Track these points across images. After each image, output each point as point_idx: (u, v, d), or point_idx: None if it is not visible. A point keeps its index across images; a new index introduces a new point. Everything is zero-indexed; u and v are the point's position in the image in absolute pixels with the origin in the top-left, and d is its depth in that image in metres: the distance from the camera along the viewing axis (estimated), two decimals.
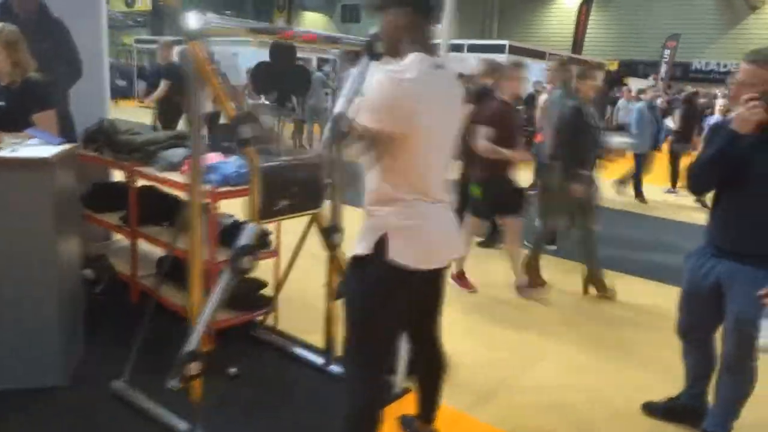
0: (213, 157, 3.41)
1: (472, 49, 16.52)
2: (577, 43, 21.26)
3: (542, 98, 6.26)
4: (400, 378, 2.82)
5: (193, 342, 2.23)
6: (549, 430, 2.73)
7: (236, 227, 3.27)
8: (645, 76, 20.11)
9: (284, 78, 8.99)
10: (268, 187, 2.34)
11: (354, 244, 1.93)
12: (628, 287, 4.61)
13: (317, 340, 3.15)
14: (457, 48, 16.08)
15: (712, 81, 21.37)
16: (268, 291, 3.50)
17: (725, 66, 22.39)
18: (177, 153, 3.53)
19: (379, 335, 1.94)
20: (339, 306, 2.84)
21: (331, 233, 2.74)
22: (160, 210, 3.70)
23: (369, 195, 1.90)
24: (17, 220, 2.52)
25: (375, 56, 2.65)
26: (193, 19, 1.95)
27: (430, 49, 1.87)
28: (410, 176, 1.83)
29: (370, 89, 1.78)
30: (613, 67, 19.24)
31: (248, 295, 3.41)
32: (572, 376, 3.25)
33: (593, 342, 3.69)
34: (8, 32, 2.87)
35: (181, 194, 3.69)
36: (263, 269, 3.24)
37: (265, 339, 3.35)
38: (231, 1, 23.03)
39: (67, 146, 2.78)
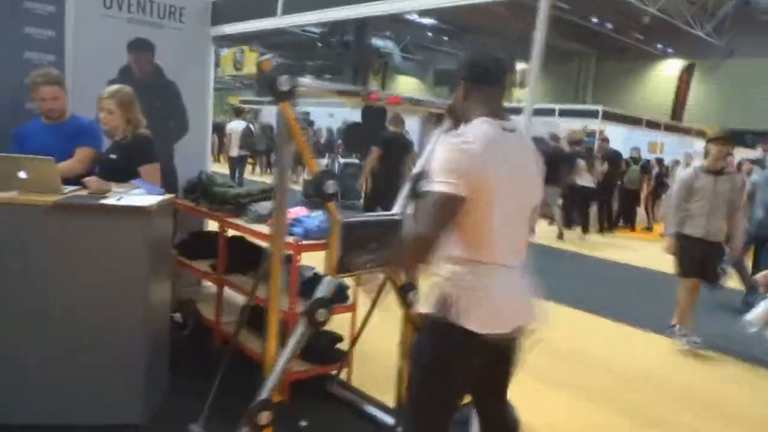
0: (298, 211, 3.55)
1: (564, 113, 16.42)
2: (677, 111, 20.52)
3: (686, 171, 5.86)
4: None
5: (266, 391, 2.27)
6: None
7: (316, 280, 3.37)
8: (752, 146, 18.96)
9: (373, 138, 9.28)
10: (348, 241, 2.39)
11: (422, 301, 1.92)
12: None
13: (389, 398, 3.11)
14: (548, 112, 16.03)
15: None
16: (343, 345, 3.53)
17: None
18: (266, 206, 3.71)
19: (438, 395, 1.90)
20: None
21: (406, 291, 2.74)
22: (247, 259, 3.86)
23: (437, 254, 1.90)
24: (115, 263, 2.72)
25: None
26: (284, 81, 2.08)
27: (496, 114, 1.89)
28: (478, 239, 1.82)
29: (437, 160, 1.80)
30: (713, 130, 18.28)
31: (324, 349, 3.45)
32: None
33: None
34: (124, 93, 3.20)
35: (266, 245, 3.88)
36: (340, 323, 3.29)
37: (338, 394, 3.35)
38: (330, 67, 24.44)
39: (165, 197, 3.00)
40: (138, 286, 2.75)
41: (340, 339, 3.55)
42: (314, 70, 20.66)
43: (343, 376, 3.46)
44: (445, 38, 30.50)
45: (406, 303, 2.77)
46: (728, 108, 24.36)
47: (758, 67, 24.07)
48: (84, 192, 2.93)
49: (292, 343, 2.32)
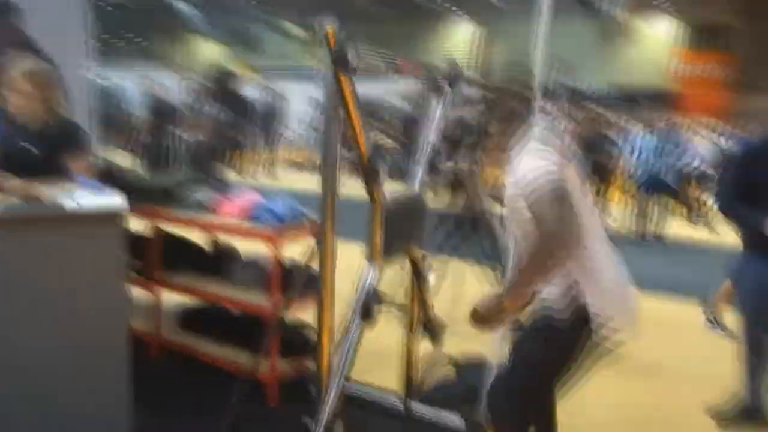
0: (250, 197, 3.19)
1: None
2: (482, 68, 22.22)
3: None
4: None
5: (331, 407, 2.02)
6: None
7: (293, 272, 3.07)
8: None
9: None
10: (391, 224, 2.19)
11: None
12: None
13: (384, 381, 3.01)
14: None
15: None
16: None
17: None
18: (206, 194, 3.27)
19: (546, 390, 1.93)
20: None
21: (425, 269, 2.62)
22: (184, 257, 3.39)
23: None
24: (85, 287, 2.19)
25: (456, 86, 2.62)
26: (353, 55, 1.80)
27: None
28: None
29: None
30: None
31: (305, 343, 3.19)
32: None
33: None
34: (42, 71, 2.53)
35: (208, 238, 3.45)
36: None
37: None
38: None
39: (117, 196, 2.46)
40: (118, 317, 2.25)
41: (312, 328, 3.30)
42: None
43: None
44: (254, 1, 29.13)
45: (425, 287, 2.65)
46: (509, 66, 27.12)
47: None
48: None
49: (349, 346, 2.09)
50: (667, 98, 21.95)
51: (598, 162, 7.37)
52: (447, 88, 2.63)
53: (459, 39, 29.01)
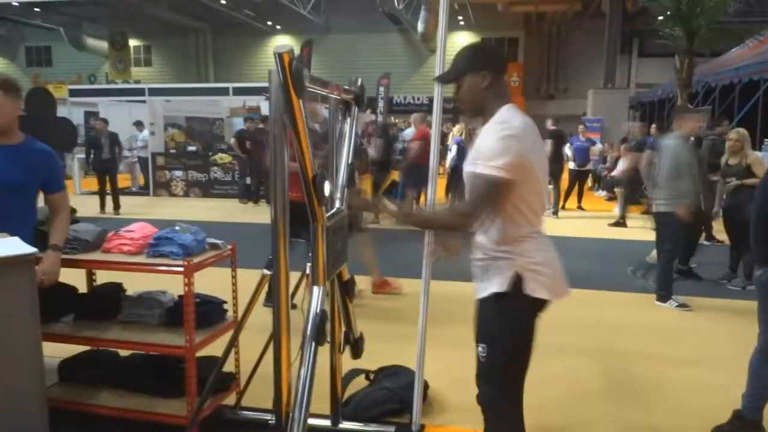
0: (143, 228, 2.96)
1: (191, 92, 15.93)
2: None
3: None
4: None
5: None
6: None
7: (204, 305, 2.90)
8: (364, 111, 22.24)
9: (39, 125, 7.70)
10: (330, 243, 2.20)
11: (483, 284, 2.00)
12: None
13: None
14: (174, 92, 15.30)
15: (409, 112, 24.82)
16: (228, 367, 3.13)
17: (418, 99, 26.26)
18: (85, 229, 2.95)
19: (523, 364, 2.06)
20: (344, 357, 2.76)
21: (351, 285, 2.65)
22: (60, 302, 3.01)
23: (490, 240, 1.99)
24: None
25: (362, 106, 2.69)
26: (306, 75, 1.78)
27: (510, 99, 2.06)
28: (529, 215, 1.98)
29: (489, 146, 1.88)
30: None
31: (216, 377, 3.01)
32: None
33: None
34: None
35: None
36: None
37: (246, 418, 3.00)
38: None
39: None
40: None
41: (223, 362, 3.13)
42: None
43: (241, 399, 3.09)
44: (37, 10, 26.31)
45: (350, 297, 2.67)
46: (333, 77, 27.85)
47: (351, 40, 28.20)
48: None
49: (308, 368, 2.04)
50: None
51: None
52: (354, 107, 2.69)
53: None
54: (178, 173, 12.54)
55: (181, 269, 2.61)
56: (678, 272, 5.83)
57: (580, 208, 10.78)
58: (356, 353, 2.88)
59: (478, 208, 1.90)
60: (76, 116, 16.13)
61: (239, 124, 12.59)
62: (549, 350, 3.96)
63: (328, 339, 2.36)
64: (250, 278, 2.88)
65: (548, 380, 3.54)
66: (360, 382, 3.26)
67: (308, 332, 2.08)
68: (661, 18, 11.50)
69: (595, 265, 6.64)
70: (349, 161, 2.58)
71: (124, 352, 3.18)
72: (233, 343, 2.84)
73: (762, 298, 2.80)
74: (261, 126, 10.81)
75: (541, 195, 2.02)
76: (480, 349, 2.02)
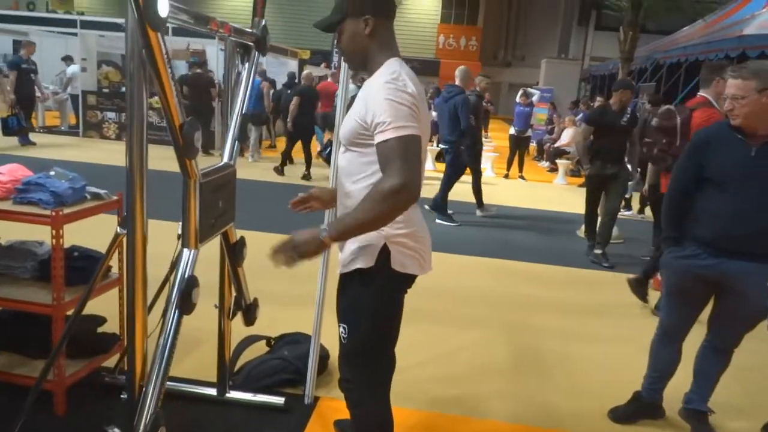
0: (14, 170, 2.65)
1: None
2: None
3: None
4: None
5: (152, 405, 1.77)
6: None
7: (82, 259, 2.64)
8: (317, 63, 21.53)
9: None
10: (205, 204, 1.97)
11: (346, 257, 1.83)
12: None
13: (189, 371, 2.85)
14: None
15: None
16: (108, 327, 2.90)
17: None
18: None
19: (390, 341, 1.92)
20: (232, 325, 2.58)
21: (240, 248, 2.43)
22: None
23: (353, 207, 1.79)
24: None
25: (264, 51, 2.44)
26: (163, 6, 1.50)
27: (398, 51, 1.84)
28: None
29: (379, 102, 1.65)
30: (307, 55, 19.93)
31: (91, 336, 2.78)
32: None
33: None
34: None
35: None
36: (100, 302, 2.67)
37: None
38: None
39: None
40: None
41: (103, 321, 2.89)
42: None
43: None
44: None
45: (239, 261, 2.47)
46: (290, 29, 26.93)
47: None
48: None
49: (168, 338, 1.84)
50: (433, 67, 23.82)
51: None
52: (255, 52, 2.43)
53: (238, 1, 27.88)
54: (111, 115, 11.85)
55: (48, 219, 2.34)
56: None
57: (521, 177, 10.77)
58: (249, 320, 2.69)
59: (410, 175, 1.57)
60: (4, 44, 15.04)
61: (183, 68, 11.91)
62: (462, 321, 3.95)
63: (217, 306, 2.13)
64: (163, 231, 2.58)
65: (454, 352, 3.46)
66: (261, 349, 3.10)
67: (172, 298, 1.87)
68: None
69: (530, 237, 6.64)
70: (243, 112, 2.33)
71: None
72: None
73: (663, 280, 2.76)
74: (199, 71, 10.26)
75: (422, 160, 1.83)
76: (341, 329, 1.85)
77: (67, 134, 12.18)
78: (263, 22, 2.44)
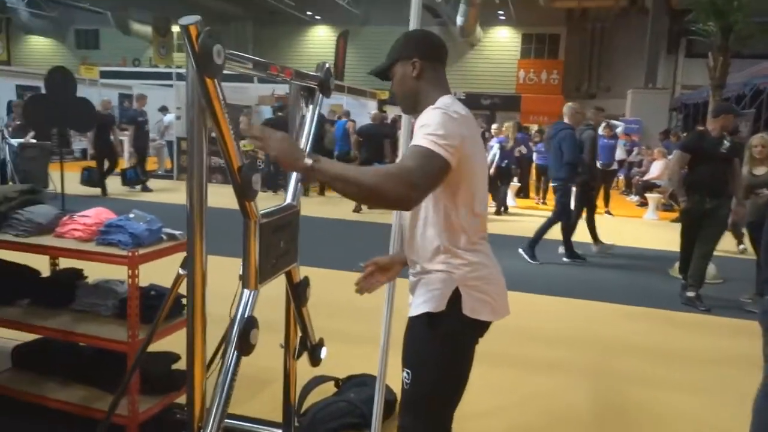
0: (100, 213, 2.81)
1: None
2: (338, 74, 22.29)
3: None
4: None
5: None
6: None
7: (155, 298, 2.74)
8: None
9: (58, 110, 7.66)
10: (264, 244, 1.99)
11: (416, 300, 1.77)
12: None
13: (257, 410, 2.83)
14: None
15: None
16: (181, 365, 2.97)
17: (455, 93, 25.86)
18: (40, 211, 2.82)
19: (455, 393, 1.81)
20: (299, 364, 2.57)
21: (303, 288, 2.44)
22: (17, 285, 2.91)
23: (424, 249, 1.75)
24: None
25: (327, 93, 2.48)
26: (218, 53, 1.56)
27: (449, 90, 1.82)
28: (469, 219, 1.73)
29: (427, 121, 1.63)
30: (385, 95, 20.42)
31: (163, 374, 2.86)
32: None
33: None
34: None
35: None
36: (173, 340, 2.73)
37: None
38: None
39: None
40: None
41: (177, 358, 2.98)
42: None
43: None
44: None
45: (303, 300, 2.47)
46: (368, 69, 27.66)
47: (388, 33, 27.89)
48: None
49: (226, 379, 1.85)
50: (514, 102, 23.63)
51: None
52: (318, 93, 2.48)
53: (317, 43, 29.14)
54: None
55: (125, 260, 2.45)
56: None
57: (607, 212, 10.31)
58: (314, 361, 2.67)
59: (422, 178, 1.52)
60: (110, 98, 16.39)
61: (268, 112, 12.48)
62: (537, 365, 3.73)
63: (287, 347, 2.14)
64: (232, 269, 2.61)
65: (526, 399, 3.27)
66: (330, 389, 3.07)
67: (231, 339, 1.89)
68: (693, 12, 10.89)
69: (618, 276, 6.29)
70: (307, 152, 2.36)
71: None
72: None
73: (765, 329, 2.47)
74: (281, 114, 10.68)
75: (482, 197, 1.76)
76: (405, 374, 1.78)
77: (163, 178, 12.98)
78: (326, 65, 2.49)
